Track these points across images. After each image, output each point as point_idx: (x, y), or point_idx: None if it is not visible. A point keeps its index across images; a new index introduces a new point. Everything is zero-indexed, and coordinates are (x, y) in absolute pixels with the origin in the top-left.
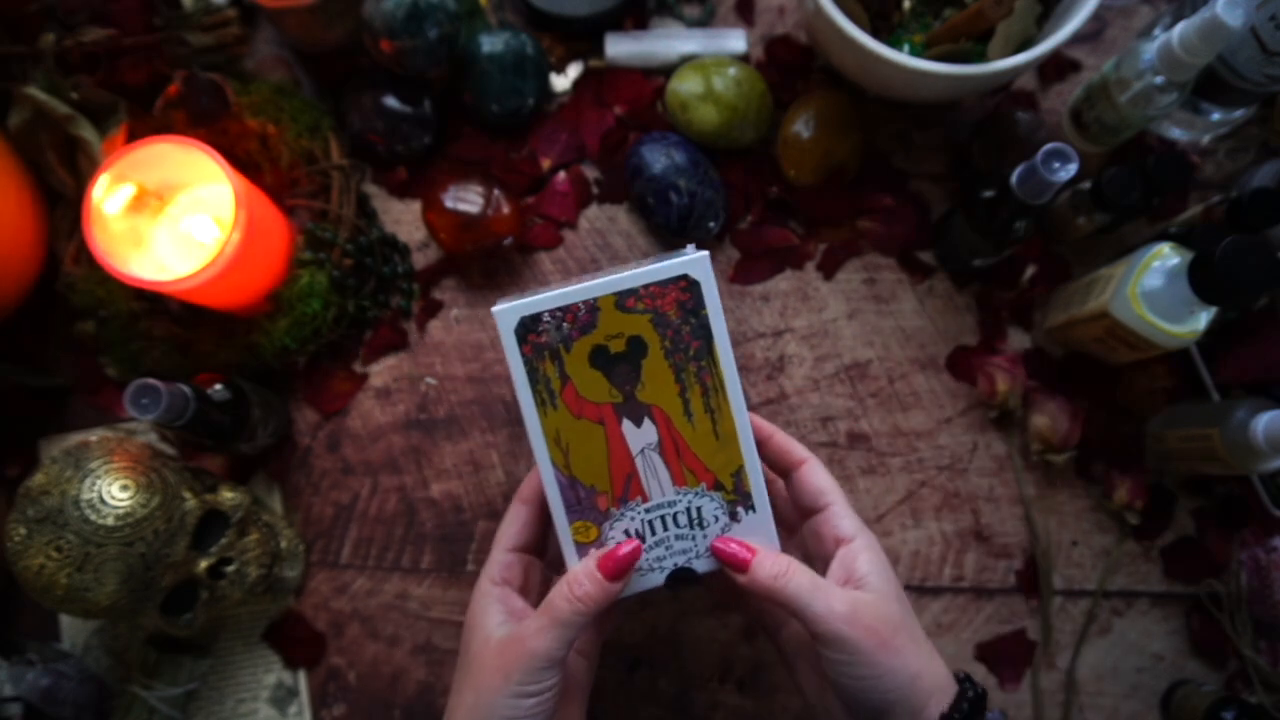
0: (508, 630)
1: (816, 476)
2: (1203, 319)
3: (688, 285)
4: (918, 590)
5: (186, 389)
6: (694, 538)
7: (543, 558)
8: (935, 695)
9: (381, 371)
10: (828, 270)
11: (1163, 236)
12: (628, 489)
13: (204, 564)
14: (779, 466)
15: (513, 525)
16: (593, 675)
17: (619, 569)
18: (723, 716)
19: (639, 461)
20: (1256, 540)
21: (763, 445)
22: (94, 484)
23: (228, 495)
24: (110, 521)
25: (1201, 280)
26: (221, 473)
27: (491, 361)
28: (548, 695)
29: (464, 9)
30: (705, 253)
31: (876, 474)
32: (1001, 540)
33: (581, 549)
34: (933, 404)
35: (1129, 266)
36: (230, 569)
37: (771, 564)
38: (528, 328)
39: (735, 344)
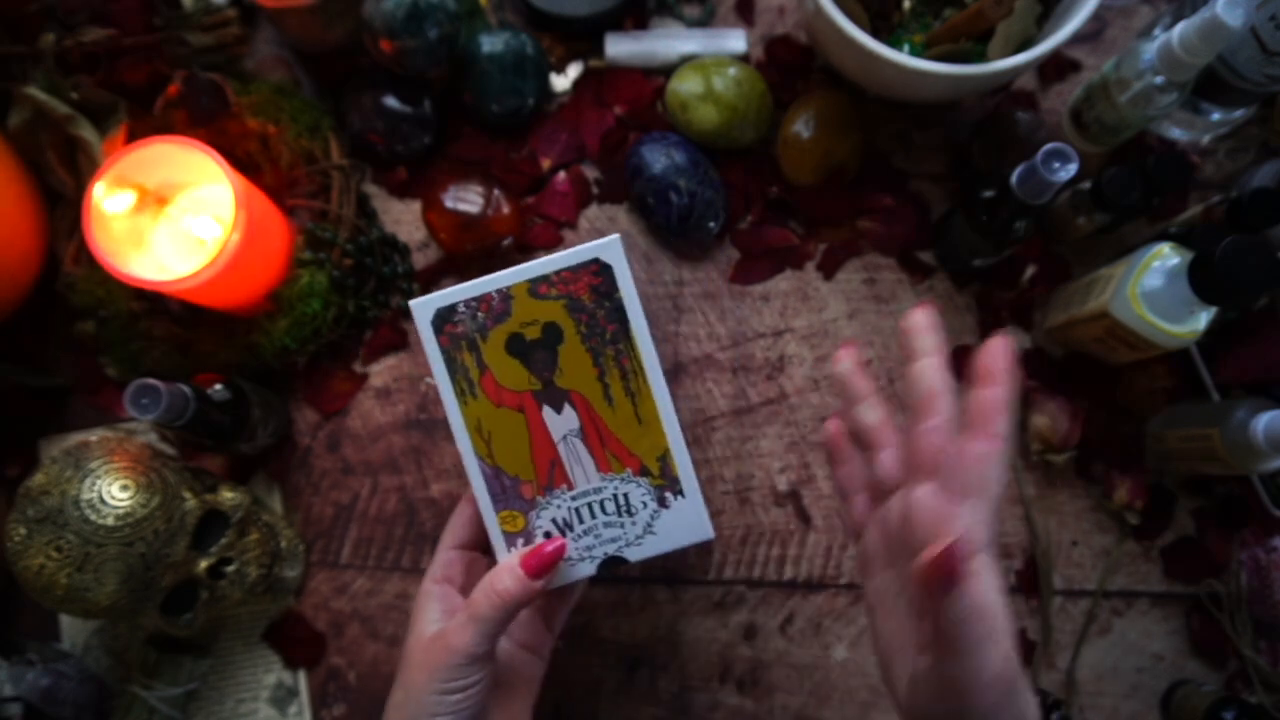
0: (434, 628)
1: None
2: (1203, 319)
3: (599, 269)
4: None
5: (186, 389)
6: (623, 525)
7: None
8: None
9: (381, 371)
10: (828, 270)
11: (1163, 236)
12: (552, 477)
13: (204, 564)
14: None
15: (455, 523)
16: (543, 669)
17: (541, 566)
18: (723, 716)
19: (562, 449)
20: (1256, 540)
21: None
22: (94, 484)
23: (228, 495)
24: (110, 521)
25: (1201, 280)
26: (221, 473)
27: None
28: (473, 690)
29: (464, 9)
30: (616, 235)
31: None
32: (1001, 540)
33: (509, 538)
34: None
35: (1129, 266)
36: (230, 569)
37: (989, 576)
38: (444, 318)
39: (735, 344)
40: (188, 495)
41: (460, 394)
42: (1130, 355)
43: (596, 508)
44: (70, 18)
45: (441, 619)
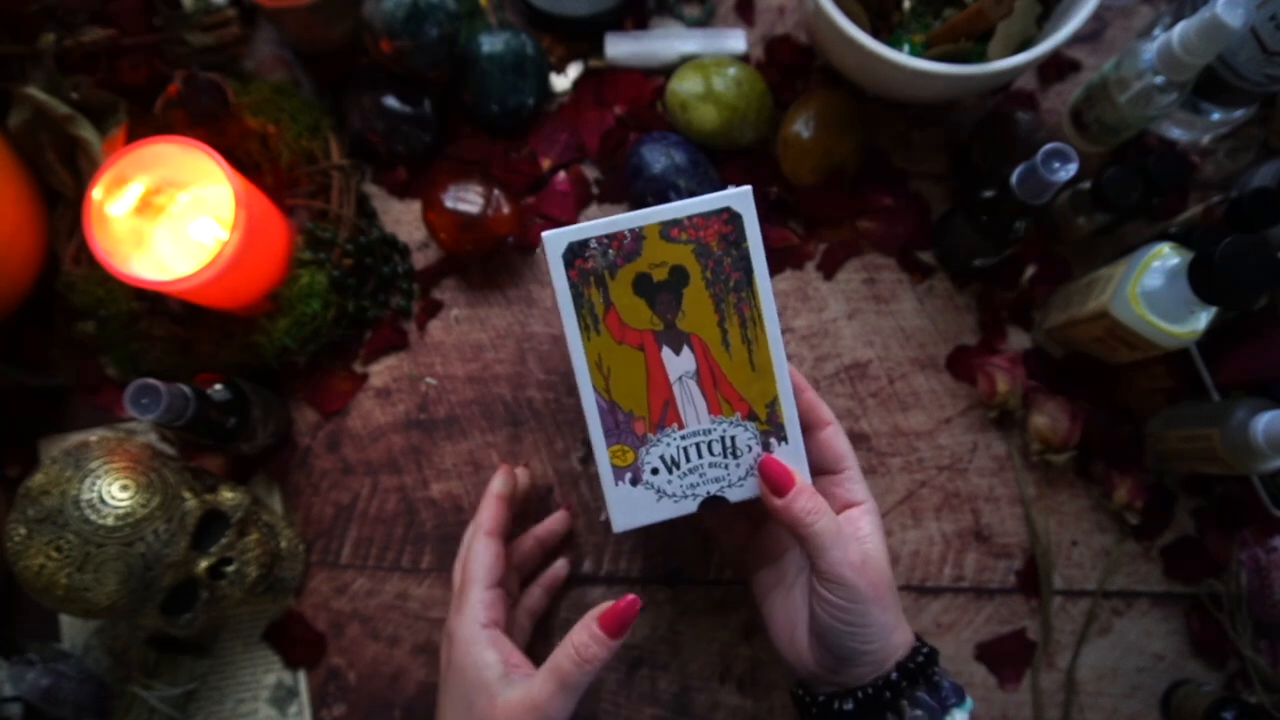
0: (513, 690)
1: (840, 441)
2: (1203, 319)
3: (730, 218)
4: (918, 590)
5: (186, 389)
6: (727, 466)
7: (505, 589)
8: (899, 650)
9: (381, 371)
10: (828, 270)
11: (1163, 236)
12: (665, 415)
13: (204, 564)
14: (804, 423)
15: (485, 560)
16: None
17: (620, 626)
18: (723, 716)
19: (677, 389)
20: (1256, 540)
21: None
22: (94, 484)
23: (228, 495)
24: (110, 521)
25: (1201, 280)
26: (221, 473)
27: (491, 362)
28: None
29: (464, 9)
30: (748, 187)
31: (876, 474)
32: (1001, 540)
33: (618, 472)
34: (933, 404)
35: (1129, 266)
36: (230, 569)
37: (808, 499)
38: (575, 253)
39: None
40: (188, 495)
41: (584, 329)
42: (1130, 355)
43: (704, 448)
44: (70, 18)
45: (506, 672)
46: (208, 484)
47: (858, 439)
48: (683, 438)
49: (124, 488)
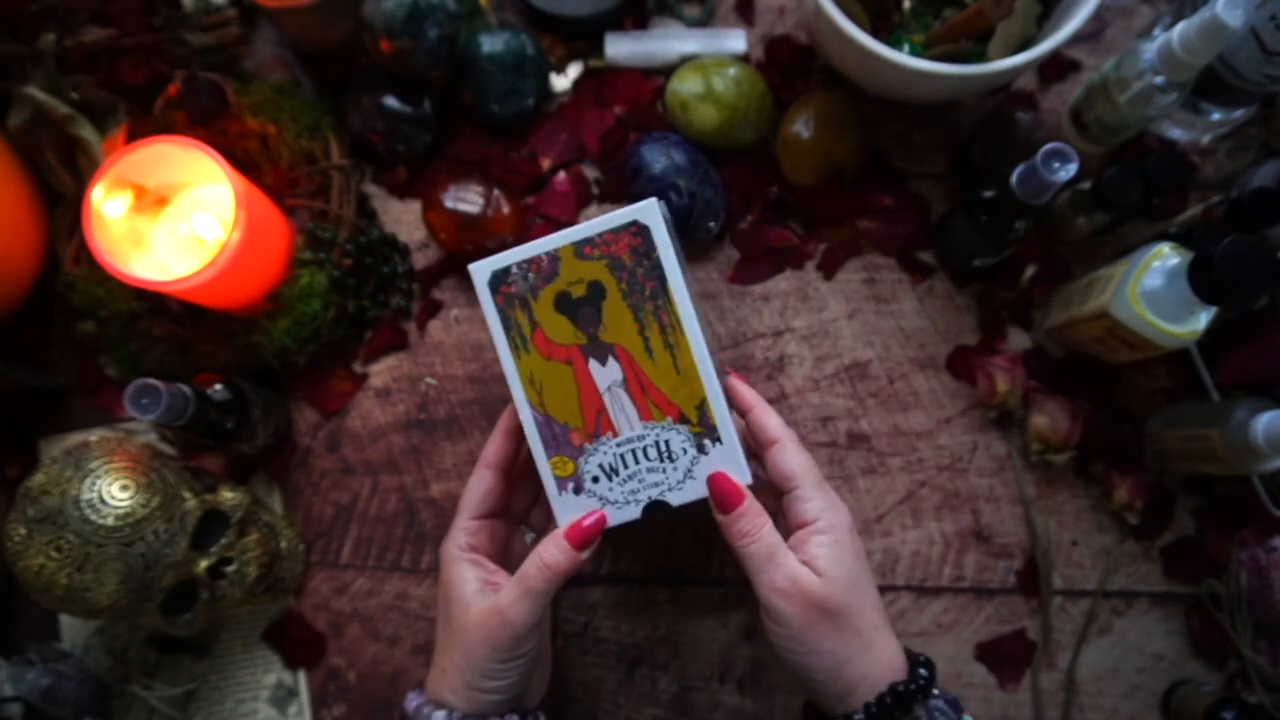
0: (486, 600)
1: (785, 459)
2: (1203, 319)
3: (638, 230)
4: (918, 590)
5: (186, 389)
6: (665, 470)
7: (510, 520)
8: (866, 683)
9: (381, 371)
10: (828, 270)
11: (1163, 236)
12: (599, 424)
13: (204, 564)
14: (753, 442)
15: (477, 491)
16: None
17: (585, 538)
18: (723, 716)
19: (607, 398)
20: (1256, 540)
21: (742, 417)
22: (94, 484)
23: (228, 495)
24: (110, 521)
25: (1201, 280)
26: (221, 473)
27: (491, 361)
28: (528, 657)
29: (464, 9)
30: (653, 199)
31: (876, 474)
32: (1001, 540)
33: (560, 482)
34: (933, 404)
35: (1129, 266)
36: (230, 569)
37: (747, 521)
38: (499, 279)
39: (735, 344)
40: (188, 495)
41: (515, 348)
42: (1130, 355)
43: (640, 454)
44: (70, 18)
45: (481, 587)
46: (208, 484)
47: (858, 439)
48: (618, 445)
49: (124, 488)
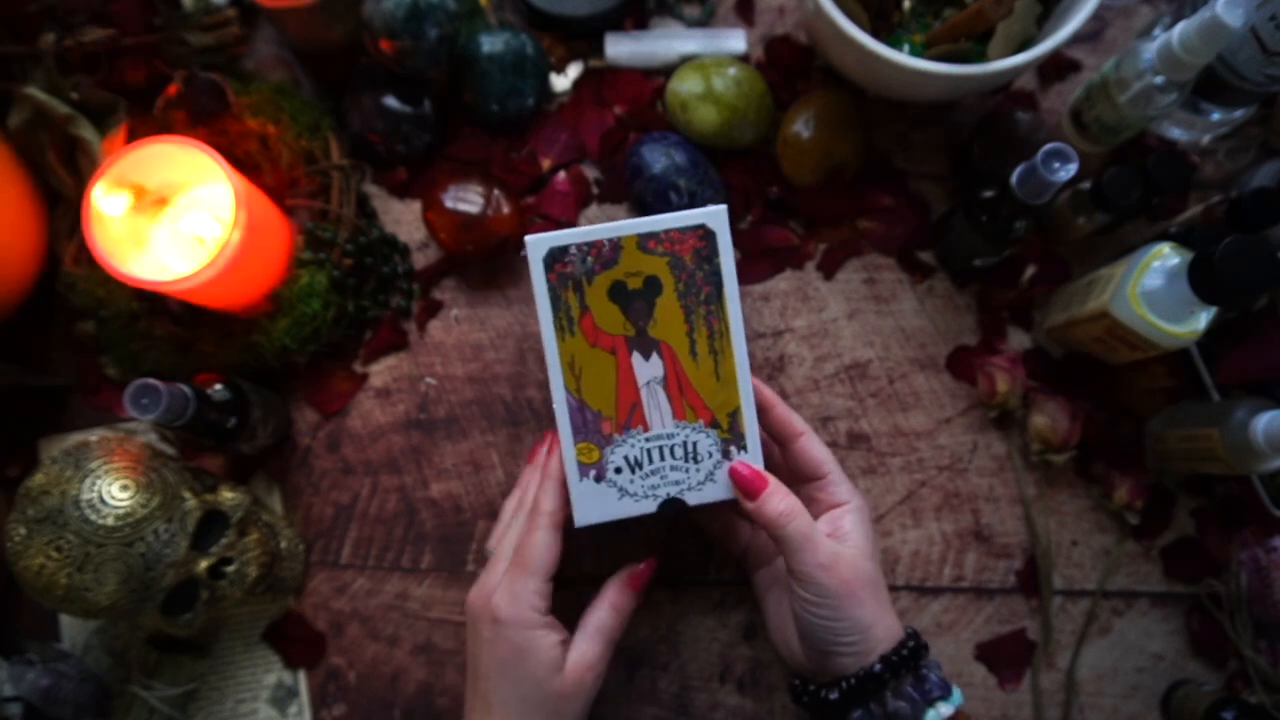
0: (571, 660)
1: (814, 448)
2: (1203, 319)
3: (705, 234)
4: (918, 590)
5: (186, 389)
6: (687, 470)
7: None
8: (882, 644)
9: (381, 371)
10: (828, 270)
11: (1163, 236)
12: (631, 417)
13: (204, 564)
14: (778, 436)
15: (549, 552)
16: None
17: (645, 583)
18: (723, 716)
19: (644, 393)
20: (1256, 540)
21: (764, 414)
22: (94, 484)
23: (228, 495)
24: (110, 521)
25: (1201, 280)
26: (221, 473)
27: (491, 361)
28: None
29: (464, 9)
30: (724, 206)
31: (876, 474)
32: (1001, 540)
33: (584, 469)
34: (933, 404)
35: (1129, 266)
36: (230, 569)
37: (781, 500)
38: (555, 257)
39: None
40: (188, 495)
41: (560, 329)
42: (1130, 355)
43: (666, 451)
44: (70, 18)
45: (560, 650)
46: (208, 484)
47: (858, 439)
48: (647, 440)
49: (124, 488)
